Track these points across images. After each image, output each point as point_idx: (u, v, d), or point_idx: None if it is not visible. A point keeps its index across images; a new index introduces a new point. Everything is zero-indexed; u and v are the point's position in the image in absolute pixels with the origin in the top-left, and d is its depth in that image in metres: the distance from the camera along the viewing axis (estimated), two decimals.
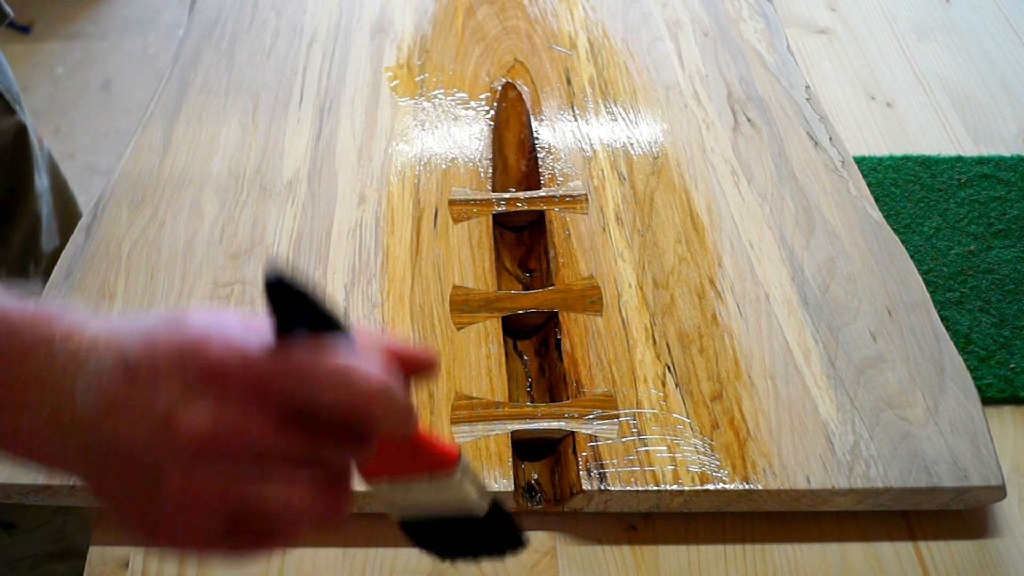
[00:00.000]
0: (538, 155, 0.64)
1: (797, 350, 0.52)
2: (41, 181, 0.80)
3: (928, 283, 0.57)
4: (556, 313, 0.54)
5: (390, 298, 0.54)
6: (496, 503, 0.38)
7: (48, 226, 0.81)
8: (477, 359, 0.51)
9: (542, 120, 0.66)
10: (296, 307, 0.31)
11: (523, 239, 0.61)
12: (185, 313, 0.33)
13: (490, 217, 0.59)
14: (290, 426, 0.32)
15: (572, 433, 0.48)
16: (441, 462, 0.36)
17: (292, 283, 0.31)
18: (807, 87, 0.69)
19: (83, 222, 0.59)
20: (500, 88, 0.69)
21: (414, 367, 0.34)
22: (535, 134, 0.65)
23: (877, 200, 0.63)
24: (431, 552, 0.41)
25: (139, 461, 0.32)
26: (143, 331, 0.33)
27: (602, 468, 0.46)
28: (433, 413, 0.48)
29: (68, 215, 0.85)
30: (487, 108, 0.67)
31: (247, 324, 0.33)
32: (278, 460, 0.32)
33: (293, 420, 0.32)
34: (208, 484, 0.31)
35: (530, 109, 0.67)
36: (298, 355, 0.31)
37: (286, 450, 0.32)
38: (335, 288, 0.54)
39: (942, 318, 0.55)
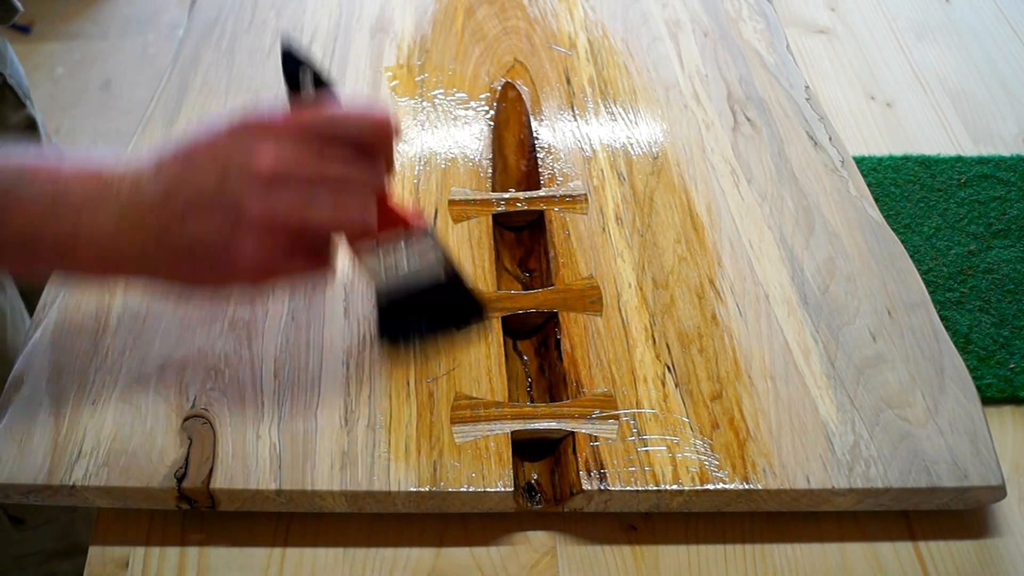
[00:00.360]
0: (538, 155, 0.64)
1: (797, 350, 0.52)
2: None
3: (928, 283, 0.57)
4: (556, 313, 0.54)
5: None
6: (458, 273, 0.48)
7: None
8: (477, 359, 0.51)
9: (542, 120, 0.66)
10: (303, 68, 0.43)
11: (523, 239, 0.61)
12: (210, 121, 0.42)
13: (490, 217, 0.59)
14: (331, 153, 0.41)
15: (572, 433, 0.48)
16: (412, 224, 0.46)
17: (299, 51, 0.43)
18: (807, 87, 0.69)
19: None
20: (500, 88, 0.69)
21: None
22: (535, 134, 0.65)
23: (877, 200, 0.63)
24: (402, 336, 0.50)
25: (219, 205, 0.40)
26: (183, 137, 0.42)
27: (602, 468, 0.46)
28: (433, 413, 0.48)
29: None
30: (487, 108, 0.67)
31: (265, 104, 0.42)
32: (326, 183, 0.41)
33: (332, 151, 0.41)
34: (281, 204, 0.40)
35: (530, 109, 0.67)
36: (321, 104, 0.42)
37: (331, 172, 0.41)
38: (335, 287, 0.54)
39: (942, 318, 0.55)
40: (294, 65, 0.43)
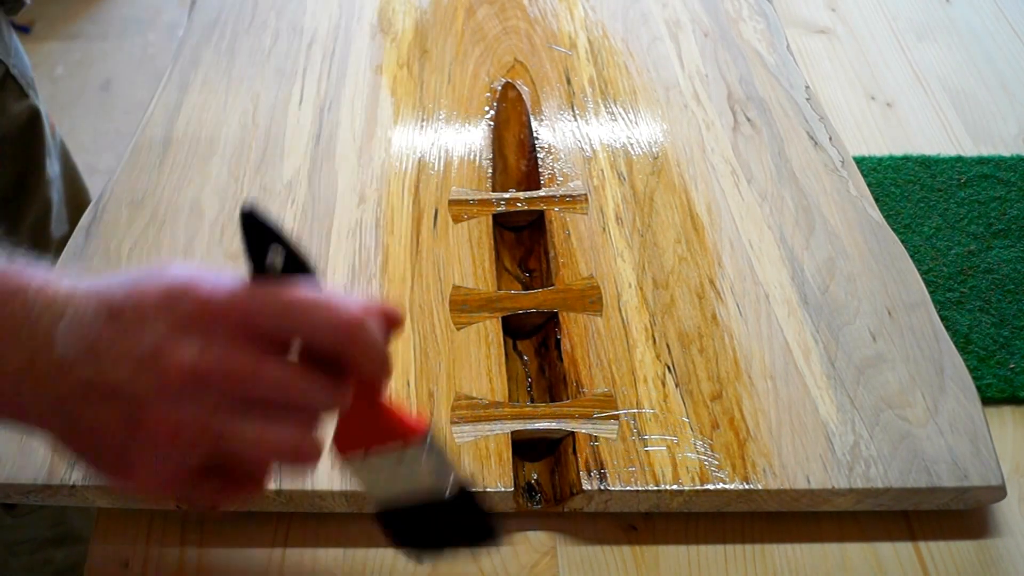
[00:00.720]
0: (538, 155, 0.64)
1: (797, 350, 0.52)
2: (52, 167, 0.80)
3: (928, 283, 0.57)
4: (556, 313, 0.54)
5: (390, 298, 0.54)
6: (466, 490, 0.39)
7: (58, 213, 0.81)
8: (477, 359, 0.51)
9: (542, 120, 0.66)
10: (269, 244, 0.33)
11: (523, 239, 0.61)
12: (163, 266, 0.35)
13: (490, 217, 0.59)
14: (273, 360, 0.33)
15: (572, 433, 0.48)
16: (410, 434, 0.37)
17: (266, 220, 0.33)
18: (807, 87, 0.69)
19: (83, 222, 0.59)
20: (500, 88, 0.69)
21: (384, 320, 0.35)
22: (535, 134, 0.65)
23: (877, 200, 0.63)
24: (405, 546, 0.41)
25: (121, 398, 0.32)
26: (124, 280, 0.34)
27: (602, 468, 0.46)
28: (433, 413, 0.48)
29: (78, 203, 0.85)
30: (487, 108, 0.67)
31: (224, 273, 0.34)
32: (258, 397, 0.33)
33: (276, 355, 0.33)
34: (190, 417, 0.32)
35: (530, 109, 0.67)
36: (281, 290, 0.33)
37: (268, 384, 0.33)
38: (335, 288, 0.54)
39: (942, 318, 0.55)
40: (259, 237, 0.34)
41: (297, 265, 0.34)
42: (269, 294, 0.33)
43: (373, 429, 0.37)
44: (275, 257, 0.33)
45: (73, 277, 0.35)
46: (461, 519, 0.40)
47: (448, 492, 0.39)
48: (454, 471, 0.39)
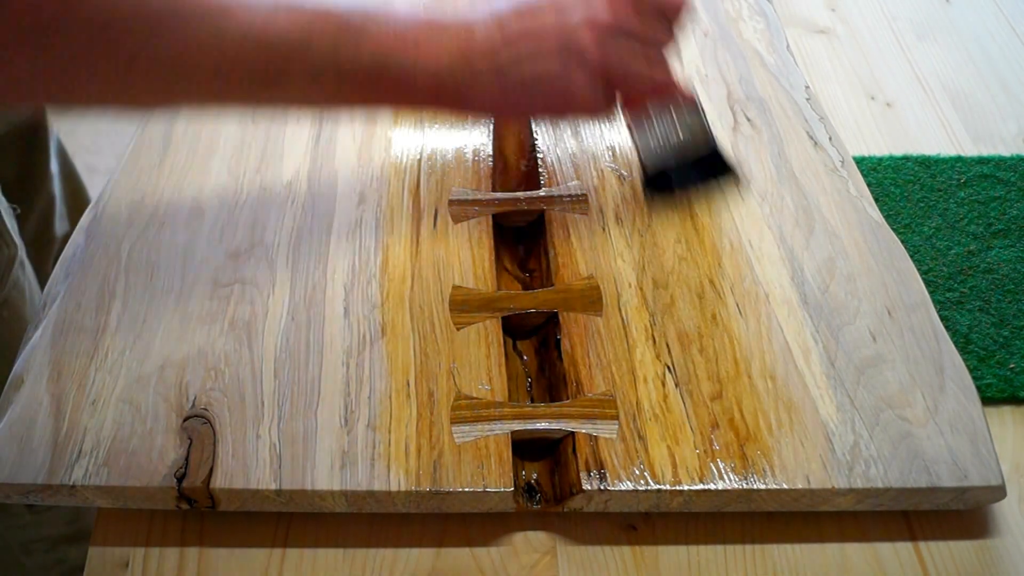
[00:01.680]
0: (538, 155, 0.64)
1: (797, 350, 0.52)
2: (54, 164, 0.80)
3: (928, 283, 0.57)
4: (556, 313, 0.54)
5: (390, 298, 0.54)
6: (717, 145, 0.56)
7: (60, 210, 0.82)
8: (477, 359, 0.51)
9: (542, 120, 0.66)
10: None
11: (523, 239, 0.61)
12: None
13: (490, 217, 0.59)
14: (648, 22, 0.49)
15: (572, 433, 0.48)
16: (685, 93, 0.54)
17: None
18: (807, 87, 0.69)
19: (83, 222, 0.59)
20: None
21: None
22: (535, 134, 0.65)
23: (877, 200, 0.63)
24: (668, 192, 0.58)
25: (562, 47, 0.47)
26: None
27: (602, 468, 0.46)
28: (433, 413, 0.48)
29: (77, 202, 0.85)
30: None
31: None
32: (647, 43, 0.49)
33: (648, 17, 0.49)
34: (614, 53, 0.48)
35: None
36: None
37: (651, 35, 0.49)
38: (335, 288, 0.54)
39: (942, 318, 0.55)
40: None
41: None
42: None
43: (656, 89, 0.52)
44: None
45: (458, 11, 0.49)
46: (713, 167, 0.58)
47: (707, 148, 0.56)
48: (710, 129, 0.56)
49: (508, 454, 0.47)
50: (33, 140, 0.77)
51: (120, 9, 0.40)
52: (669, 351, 0.52)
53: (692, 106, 0.55)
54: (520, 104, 0.50)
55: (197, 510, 0.47)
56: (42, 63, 0.40)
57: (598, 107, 0.50)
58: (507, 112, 0.53)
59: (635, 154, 0.63)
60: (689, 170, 0.57)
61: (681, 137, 0.55)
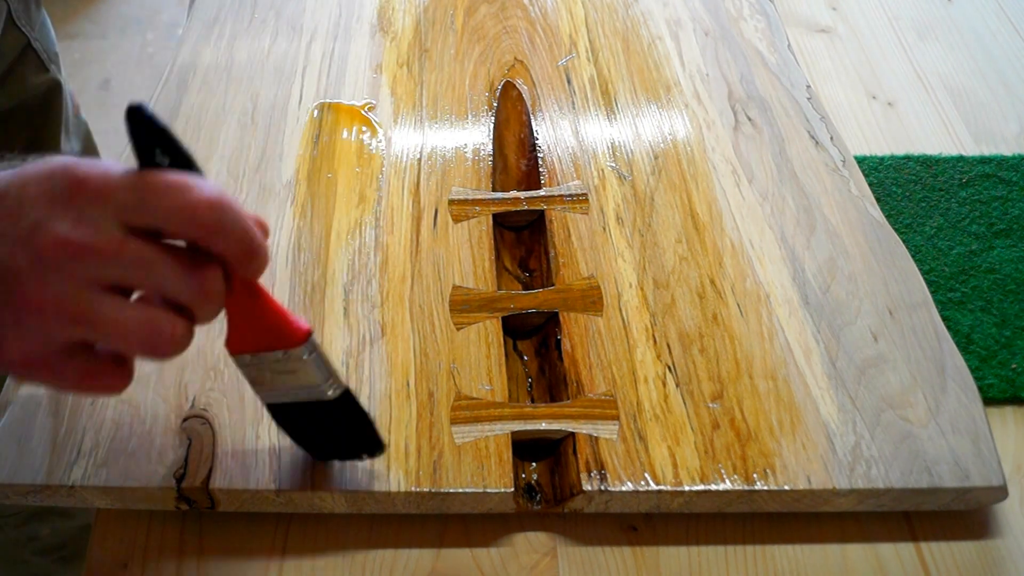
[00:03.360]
0: (538, 154, 0.63)
1: (798, 350, 0.52)
2: (70, 145, 0.80)
3: (929, 283, 0.57)
4: (556, 313, 0.53)
5: (390, 298, 0.54)
6: (349, 395, 0.42)
7: None
8: (477, 359, 0.51)
9: (542, 119, 0.66)
10: (155, 139, 0.34)
11: (523, 239, 0.61)
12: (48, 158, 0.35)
13: (490, 217, 0.59)
14: (141, 240, 0.34)
15: (572, 433, 0.48)
16: (292, 336, 0.39)
17: (153, 116, 0.34)
18: (808, 86, 0.69)
19: None
20: (500, 88, 0.69)
21: (256, 224, 0.37)
22: (535, 133, 0.65)
23: (878, 200, 0.62)
24: (299, 442, 0.46)
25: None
26: (13, 169, 0.35)
27: (602, 469, 0.46)
28: (433, 413, 0.48)
29: None
30: (487, 107, 0.67)
31: (107, 160, 0.35)
32: (123, 276, 0.34)
33: (147, 238, 0.34)
34: (58, 293, 0.33)
35: (530, 108, 0.67)
36: (150, 173, 0.34)
37: (131, 262, 0.34)
38: (335, 288, 0.54)
39: (943, 318, 0.55)
40: (147, 135, 0.35)
41: (183, 163, 0.35)
42: (141, 175, 0.34)
43: (259, 329, 0.39)
44: (161, 158, 0.34)
45: None
46: (345, 423, 0.43)
47: (330, 394, 0.41)
48: (335, 375, 0.41)
49: (508, 455, 0.47)
50: (45, 116, 0.77)
51: None
52: (670, 351, 0.51)
53: (301, 349, 0.40)
54: None
55: (196, 511, 0.47)
56: None
57: (42, 370, 0.35)
58: None
59: (635, 154, 0.62)
60: (315, 432, 0.45)
61: (287, 383, 0.41)
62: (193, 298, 0.35)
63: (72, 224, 0.33)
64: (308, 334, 0.39)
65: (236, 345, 0.40)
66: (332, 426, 0.43)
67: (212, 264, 0.35)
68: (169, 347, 0.35)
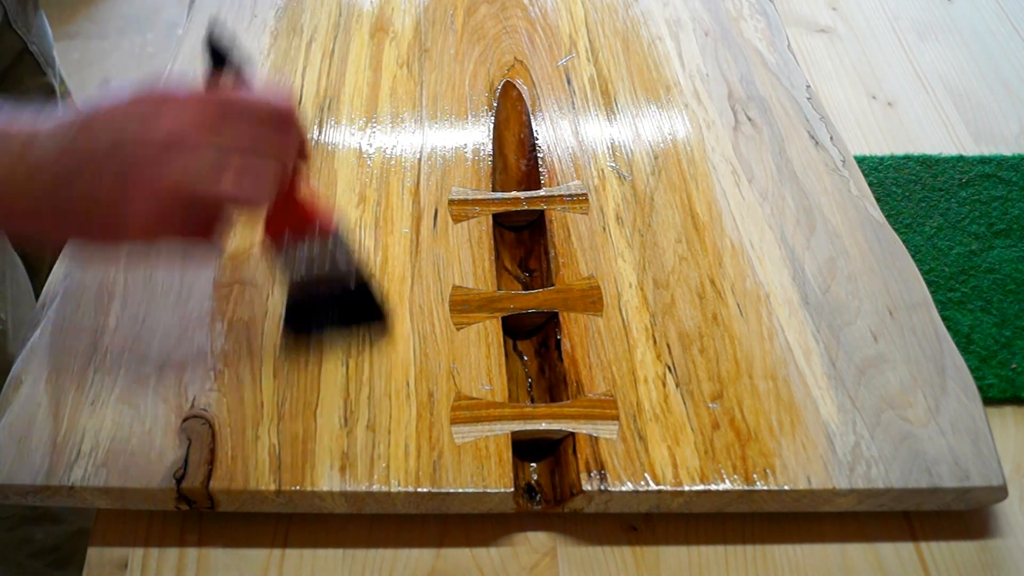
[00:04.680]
0: (538, 155, 0.63)
1: (798, 350, 0.52)
2: None
3: (929, 283, 0.57)
4: (556, 313, 0.53)
5: (390, 298, 0.54)
6: (365, 280, 0.50)
7: None
8: (477, 359, 0.51)
9: (542, 119, 0.66)
10: (227, 55, 0.43)
11: (523, 239, 0.61)
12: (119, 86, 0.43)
13: (490, 217, 0.59)
14: (232, 131, 0.41)
15: (572, 433, 0.48)
16: (326, 223, 0.47)
17: (225, 41, 0.44)
18: (808, 86, 0.69)
19: None
20: (500, 88, 0.69)
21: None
22: (535, 133, 0.65)
23: (878, 200, 0.62)
24: (307, 332, 0.51)
25: (112, 164, 0.40)
26: (84, 106, 0.42)
27: (602, 469, 0.46)
28: (433, 414, 0.48)
29: None
30: (487, 107, 0.67)
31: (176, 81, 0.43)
32: (222, 155, 0.41)
33: (234, 126, 0.41)
34: (174, 170, 0.40)
35: (530, 108, 0.67)
36: (235, 86, 0.43)
37: (229, 146, 0.41)
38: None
39: (943, 318, 0.55)
40: (217, 53, 0.44)
41: (240, 73, 0.44)
42: (223, 87, 0.43)
43: (294, 218, 0.47)
44: (225, 66, 0.43)
45: (42, 116, 0.42)
46: (359, 305, 0.51)
47: (353, 281, 0.49)
48: (358, 261, 0.49)
49: (508, 454, 0.47)
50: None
51: None
52: (670, 351, 0.51)
53: (334, 236, 0.48)
54: (71, 228, 0.42)
55: (196, 511, 0.47)
56: None
57: (167, 235, 0.42)
58: (66, 235, 0.44)
59: (635, 154, 0.63)
60: (330, 307, 0.50)
61: (324, 269, 0.48)
62: (277, 161, 0.43)
63: (177, 118, 0.40)
64: (337, 223, 0.48)
65: (273, 231, 0.47)
66: (348, 309, 0.50)
67: (287, 137, 0.43)
68: (265, 200, 0.43)
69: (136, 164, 0.40)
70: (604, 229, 0.58)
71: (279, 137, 0.43)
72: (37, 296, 0.61)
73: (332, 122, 0.66)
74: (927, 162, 0.67)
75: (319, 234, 0.47)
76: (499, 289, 0.55)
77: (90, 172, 0.40)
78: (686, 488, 0.46)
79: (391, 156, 0.63)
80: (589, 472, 0.46)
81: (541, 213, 0.59)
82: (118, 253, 0.48)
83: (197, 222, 0.43)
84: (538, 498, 0.48)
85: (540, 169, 0.62)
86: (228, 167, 0.41)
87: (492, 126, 0.66)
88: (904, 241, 0.59)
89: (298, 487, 0.45)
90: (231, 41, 0.44)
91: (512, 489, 0.46)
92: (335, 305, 0.50)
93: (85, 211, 0.41)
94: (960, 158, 0.67)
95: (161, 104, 0.41)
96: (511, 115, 0.67)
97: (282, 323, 0.51)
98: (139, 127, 0.40)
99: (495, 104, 0.68)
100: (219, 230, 0.44)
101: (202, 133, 0.40)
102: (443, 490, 0.45)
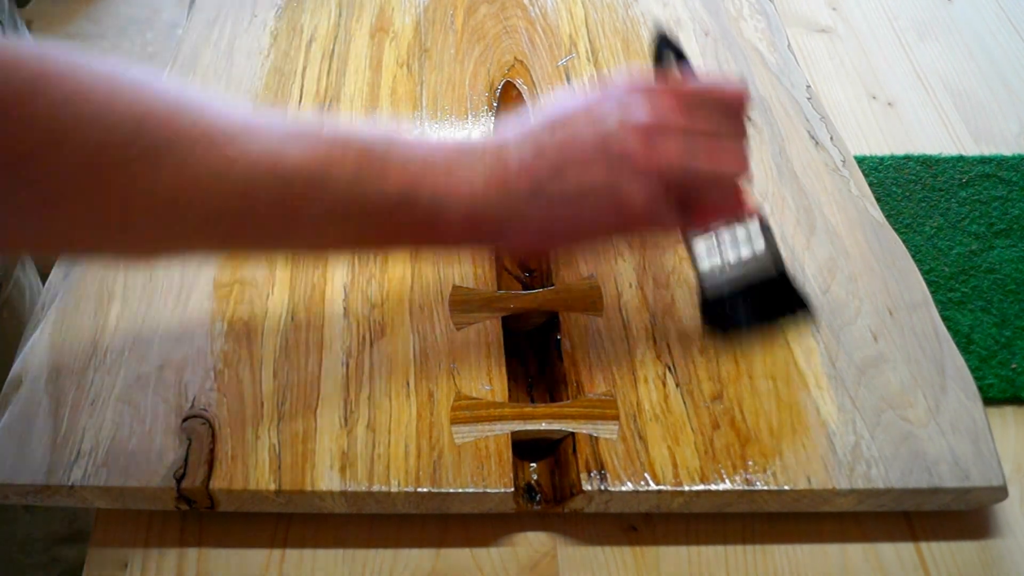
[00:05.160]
0: None
1: (798, 350, 0.52)
2: None
3: (929, 283, 0.57)
4: (556, 313, 0.53)
5: (390, 298, 0.54)
6: (785, 268, 0.49)
7: None
8: (477, 359, 0.51)
9: None
10: (672, 50, 0.49)
11: None
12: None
13: None
14: (701, 116, 0.44)
15: (572, 433, 0.48)
16: (750, 209, 0.47)
17: (671, 35, 0.49)
18: (808, 86, 0.69)
19: None
20: (500, 88, 0.69)
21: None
22: None
23: (878, 200, 0.62)
24: (729, 327, 0.50)
25: (603, 154, 0.42)
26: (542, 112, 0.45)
27: (602, 469, 0.46)
28: (433, 413, 0.48)
29: None
30: (487, 107, 0.67)
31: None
32: (701, 136, 0.43)
33: (701, 112, 0.44)
34: (665, 152, 0.42)
35: (530, 109, 0.67)
36: (688, 78, 0.47)
37: (704, 129, 0.44)
38: (334, 287, 0.54)
39: (943, 318, 0.55)
40: (663, 46, 0.49)
41: (683, 63, 0.49)
42: (677, 80, 0.46)
43: (729, 200, 0.46)
44: (670, 57, 0.49)
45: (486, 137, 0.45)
46: (779, 295, 0.49)
47: (775, 269, 0.49)
48: (778, 249, 0.49)
49: (508, 454, 0.47)
50: None
51: (112, 139, 0.35)
52: (670, 351, 0.51)
53: (759, 222, 0.49)
54: (569, 226, 0.44)
55: (196, 511, 0.47)
56: (20, 202, 0.35)
57: (661, 218, 0.44)
58: (557, 238, 0.45)
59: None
60: (752, 299, 0.49)
61: (742, 255, 0.48)
62: (743, 143, 0.45)
63: (653, 109, 0.43)
64: (759, 210, 0.49)
65: (699, 219, 0.47)
66: (768, 300, 0.49)
67: (741, 123, 0.46)
68: (748, 172, 0.45)
69: (628, 150, 0.42)
70: None
71: (737, 121, 0.45)
72: None
73: (331, 120, 0.65)
74: (927, 162, 0.67)
75: (741, 221, 0.48)
76: (499, 289, 0.55)
77: (578, 166, 0.42)
78: (686, 488, 0.46)
79: None
80: (589, 472, 0.46)
81: None
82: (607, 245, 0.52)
83: (677, 208, 0.44)
84: (538, 498, 0.48)
85: None
86: (709, 148, 0.44)
87: (492, 126, 0.66)
88: (904, 241, 0.59)
89: (298, 487, 0.45)
90: (678, 39, 0.49)
91: (512, 489, 0.46)
92: (758, 296, 0.49)
93: (580, 204, 0.42)
94: (960, 158, 0.67)
95: (632, 95, 0.43)
96: (511, 115, 0.67)
97: (702, 315, 0.51)
98: (620, 118, 0.42)
99: (495, 104, 0.68)
100: (679, 219, 0.45)
101: (679, 119, 0.43)
102: (443, 490, 0.45)
